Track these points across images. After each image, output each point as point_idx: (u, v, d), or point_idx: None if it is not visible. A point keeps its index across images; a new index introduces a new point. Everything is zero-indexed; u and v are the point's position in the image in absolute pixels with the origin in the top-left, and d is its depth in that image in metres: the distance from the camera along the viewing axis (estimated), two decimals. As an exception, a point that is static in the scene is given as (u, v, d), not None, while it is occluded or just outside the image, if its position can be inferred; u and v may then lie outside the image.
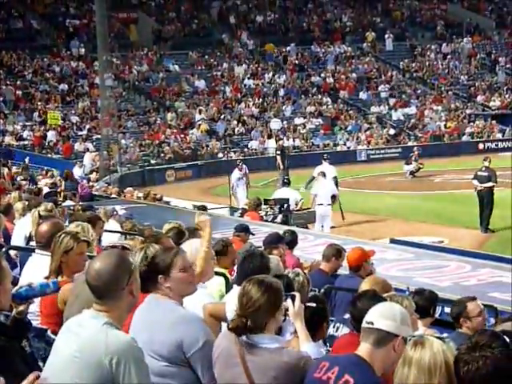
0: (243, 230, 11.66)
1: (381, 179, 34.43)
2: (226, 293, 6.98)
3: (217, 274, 7.02)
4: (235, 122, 43.13)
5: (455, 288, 10.98)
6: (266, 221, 18.97)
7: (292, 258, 10.29)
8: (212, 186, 28.62)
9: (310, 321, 5.11)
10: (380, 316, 4.16)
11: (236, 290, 5.87)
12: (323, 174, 22.11)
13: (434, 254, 13.97)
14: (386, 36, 53.63)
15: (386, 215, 24.51)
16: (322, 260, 9.53)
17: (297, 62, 50.18)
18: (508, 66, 52.79)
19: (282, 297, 4.54)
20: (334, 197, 21.41)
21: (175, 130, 40.71)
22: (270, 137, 41.58)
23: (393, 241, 16.00)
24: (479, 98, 48.58)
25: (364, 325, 4.20)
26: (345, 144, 42.72)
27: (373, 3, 58.26)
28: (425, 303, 6.75)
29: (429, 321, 6.90)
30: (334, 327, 6.23)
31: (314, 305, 5.25)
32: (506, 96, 48.90)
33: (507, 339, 3.62)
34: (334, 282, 9.08)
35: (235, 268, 7.39)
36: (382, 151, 42.50)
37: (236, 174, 27.09)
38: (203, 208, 17.74)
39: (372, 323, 4.15)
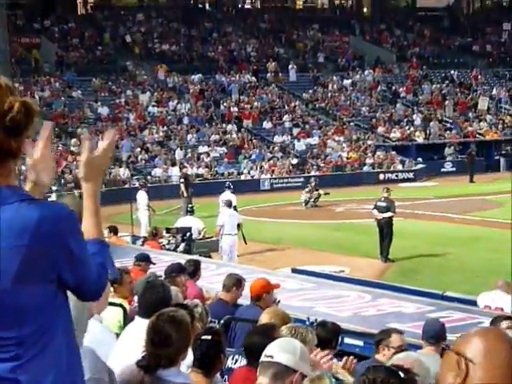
0: (144, 260, 11.55)
1: (284, 208, 34.63)
2: (125, 324, 6.85)
3: (113, 304, 6.89)
4: (138, 150, 42.88)
5: (355, 318, 11.06)
6: (169, 249, 18.86)
7: (194, 289, 10.23)
8: (114, 214, 28.27)
9: (206, 354, 5.06)
10: (280, 350, 4.13)
11: (139, 321, 5.76)
12: (228, 204, 22.09)
13: (335, 283, 14.06)
14: (290, 67, 54.25)
15: (288, 244, 24.61)
16: (223, 290, 9.49)
17: (201, 90, 50.26)
18: (408, 98, 53.96)
19: (190, 331, 4.52)
20: (238, 225, 21.41)
21: (78, 157, 40.18)
22: (173, 164, 41.45)
23: (294, 270, 16.04)
24: (380, 130, 49.46)
25: (263, 358, 4.17)
26: (249, 173, 42.89)
27: (277, 34, 58.92)
28: (328, 335, 6.77)
29: (331, 352, 6.91)
30: (232, 359, 6.17)
31: (209, 337, 5.19)
32: (406, 128, 49.93)
33: (402, 375, 3.62)
34: (235, 312, 9.04)
35: (135, 298, 7.27)
36: (285, 180, 42.79)
37: (142, 194, 27.05)
38: (114, 229, 17.54)
39: (272, 356, 4.12)
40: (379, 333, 6.92)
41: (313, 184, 35.38)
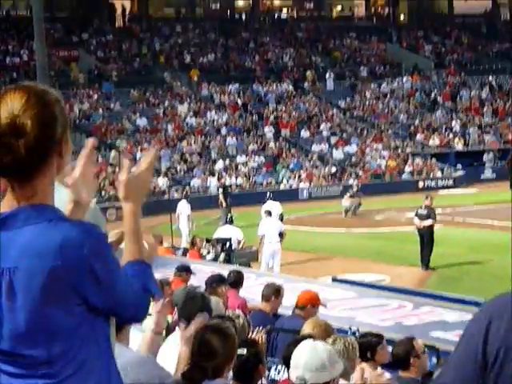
0: (185, 270, 11.57)
1: (322, 217, 34.53)
2: (166, 335, 6.85)
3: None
4: (177, 160, 43.05)
5: (397, 327, 10.98)
6: (209, 259, 18.90)
7: (237, 299, 10.20)
8: (154, 225, 28.40)
9: (243, 367, 4.98)
10: (309, 369, 4.08)
11: (178, 332, 5.76)
12: (268, 213, 22.10)
13: (376, 292, 13.98)
14: (327, 75, 54.18)
15: (327, 253, 24.55)
16: (262, 300, 9.47)
17: (239, 100, 50.38)
18: (446, 104, 53.63)
19: (236, 342, 4.49)
20: (281, 234, 21.35)
21: (117, 169, 40.43)
22: (212, 175, 41.55)
23: (335, 279, 15.99)
24: (419, 137, 49.20)
25: (296, 381, 4.11)
26: (287, 182, 42.86)
27: (313, 43, 58.89)
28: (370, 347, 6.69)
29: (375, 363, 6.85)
30: (275, 370, 6.14)
31: (244, 351, 5.12)
32: (445, 134, 49.62)
33: None
34: (275, 321, 9.01)
35: (175, 310, 7.27)
36: (324, 189, 42.70)
37: (184, 205, 27.20)
38: (160, 239, 17.64)
39: (304, 380, 4.07)
40: (398, 348, 6.55)
41: (355, 189, 35.28)
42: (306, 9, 67.31)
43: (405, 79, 55.52)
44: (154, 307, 4.52)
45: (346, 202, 34.77)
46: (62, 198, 2.82)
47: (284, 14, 66.93)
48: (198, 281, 10.67)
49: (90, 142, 2.95)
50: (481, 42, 62.11)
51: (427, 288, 17.55)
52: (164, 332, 7.23)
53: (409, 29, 63.60)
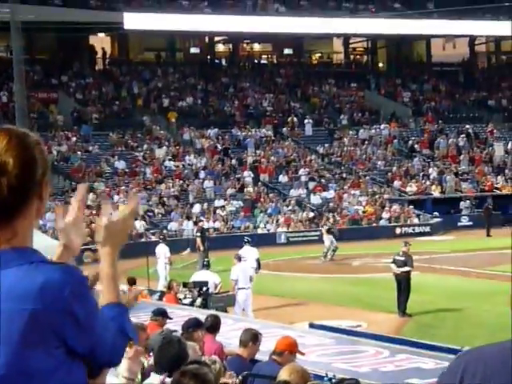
0: (161, 314, 11.50)
1: (300, 262, 34.50)
2: (142, 380, 6.80)
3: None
4: (155, 203, 43.00)
5: (373, 374, 10.95)
6: (186, 304, 18.80)
7: (214, 344, 10.16)
8: (130, 268, 28.23)
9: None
10: None
11: (154, 378, 5.73)
12: (238, 259, 22.04)
13: (353, 339, 13.95)
14: (306, 121, 54.52)
15: (305, 299, 24.49)
16: (240, 345, 9.42)
17: (218, 144, 50.55)
18: (424, 152, 54.03)
19: None
20: (251, 278, 21.40)
21: (94, 211, 40.30)
22: (188, 218, 41.49)
23: (312, 325, 15.93)
24: (396, 184, 49.47)
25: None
26: (265, 226, 42.87)
27: (293, 89, 59.30)
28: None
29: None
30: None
31: None
32: (422, 181, 49.92)
33: None
34: (252, 367, 8.96)
35: (151, 354, 7.23)
36: (302, 234, 42.73)
37: (162, 248, 27.11)
38: (133, 280, 17.54)
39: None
40: None
41: (329, 227, 35.68)
42: (286, 55, 67.85)
43: (383, 126, 55.96)
44: (127, 353, 4.49)
45: (326, 239, 34.85)
46: (37, 241, 2.81)
47: (264, 59, 67.42)
48: (174, 325, 10.62)
49: (82, 187, 2.96)
50: (458, 91, 62.78)
51: (404, 335, 17.51)
52: (139, 376, 7.18)
53: (387, 76, 64.23)
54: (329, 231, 35.51)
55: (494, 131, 57.21)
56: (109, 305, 2.86)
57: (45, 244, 2.94)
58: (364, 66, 68.69)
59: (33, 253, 2.66)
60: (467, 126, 57.18)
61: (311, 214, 44.56)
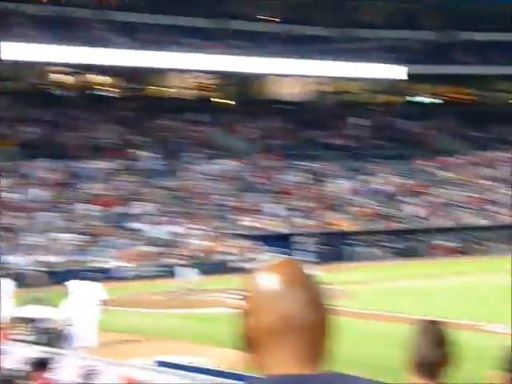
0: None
1: (140, 297, 33.98)
2: None
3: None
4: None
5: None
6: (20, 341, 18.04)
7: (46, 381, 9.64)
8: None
9: None
10: None
11: None
12: (71, 294, 21.71)
13: (194, 375, 13.67)
14: (147, 154, 54.20)
15: (146, 334, 24.10)
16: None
17: (55, 177, 49.43)
18: (261, 188, 54.53)
19: None
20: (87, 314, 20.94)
21: None
22: (25, 252, 40.20)
23: (158, 361, 15.57)
24: (236, 218, 49.67)
25: None
26: (104, 261, 42.07)
27: (135, 122, 58.81)
28: None
29: None
30: None
31: None
32: (263, 217, 50.35)
33: None
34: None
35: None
36: (144, 269, 42.13)
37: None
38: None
39: None
40: None
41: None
42: (130, 88, 66.95)
43: (225, 161, 56.25)
44: None
45: (179, 273, 34.82)
46: None
47: (108, 92, 66.25)
48: (9, 363, 10.02)
49: None
50: (301, 128, 63.50)
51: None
52: None
53: (231, 112, 64.61)
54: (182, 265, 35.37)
55: (334, 169, 58.52)
56: None
57: None
58: (209, 101, 68.72)
59: None
60: (305, 163, 58.16)
61: (151, 248, 44.12)
